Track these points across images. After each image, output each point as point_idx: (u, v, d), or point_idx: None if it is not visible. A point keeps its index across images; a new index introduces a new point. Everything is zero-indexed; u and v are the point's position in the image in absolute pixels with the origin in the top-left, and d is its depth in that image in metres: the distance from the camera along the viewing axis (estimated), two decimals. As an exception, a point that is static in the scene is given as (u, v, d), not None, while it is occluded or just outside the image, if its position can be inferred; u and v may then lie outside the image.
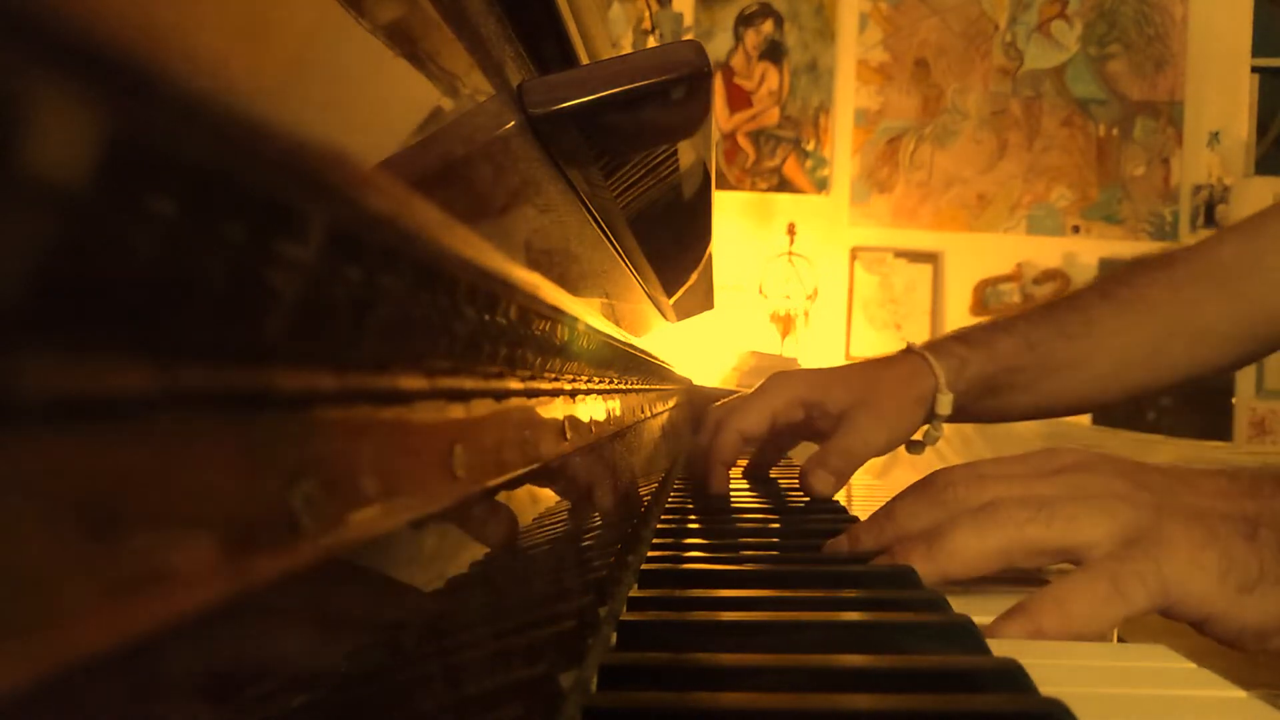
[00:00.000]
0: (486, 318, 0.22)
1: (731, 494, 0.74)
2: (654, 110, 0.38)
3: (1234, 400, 3.10)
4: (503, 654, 0.25)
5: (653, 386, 0.76)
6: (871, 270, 3.19)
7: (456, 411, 0.21)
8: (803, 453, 0.89)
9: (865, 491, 0.84)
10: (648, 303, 0.79)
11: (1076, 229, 3.18)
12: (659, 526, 0.59)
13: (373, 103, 0.20)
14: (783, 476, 0.84)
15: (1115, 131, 3.18)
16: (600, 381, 0.44)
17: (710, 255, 0.93)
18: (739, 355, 2.60)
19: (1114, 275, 0.82)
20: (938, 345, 0.77)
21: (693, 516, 0.64)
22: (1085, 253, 3.17)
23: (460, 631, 0.22)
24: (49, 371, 0.09)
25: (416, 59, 0.23)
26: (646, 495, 0.63)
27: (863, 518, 0.52)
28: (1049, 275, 3.16)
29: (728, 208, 3.09)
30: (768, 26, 3.23)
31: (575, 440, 0.36)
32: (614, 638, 0.35)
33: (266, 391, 0.13)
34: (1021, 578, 0.48)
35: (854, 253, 3.20)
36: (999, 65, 3.20)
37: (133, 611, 0.10)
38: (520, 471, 0.27)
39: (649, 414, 0.71)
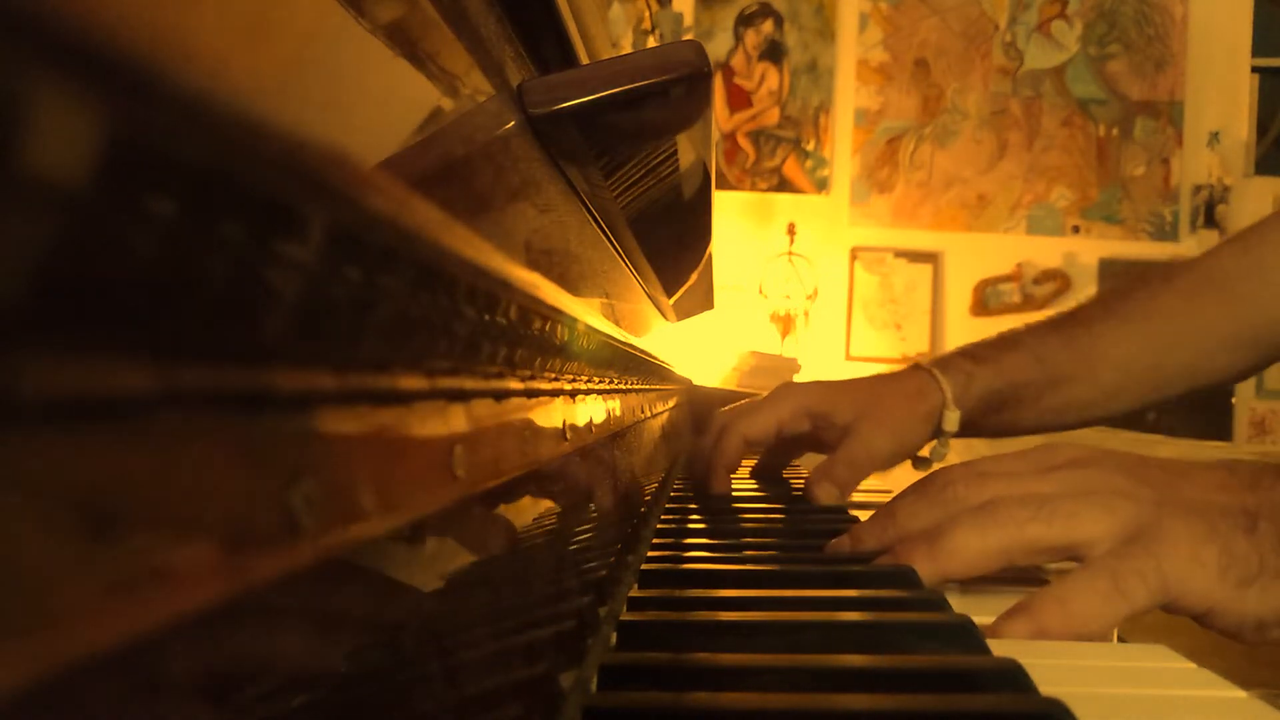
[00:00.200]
0: (486, 318, 0.22)
1: (732, 494, 0.74)
2: (654, 110, 0.38)
3: (1234, 400, 3.10)
4: (503, 654, 0.25)
5: (653, 386, 0.76)
6: (871, 270, 3.19)
7: (456, 412, 0.21)
8: (810, 463, 0.90)
9: (864, 491, 0.84)
10: (648, 303, 0.79)
11: (1076, 229, 3.18)
12: (659, 526, 0.59)
13: (373, 103, 0.20)
14: (784, 478, 0.84)
15: (1115, 131, 3.18)
16: (600, 381, 0.44)
17: (710, 255, 0.93)
18: (739, 355, 2.60)
19: (1116, 289, 0.82)
20: (945, 361, 0.77)
21: (693, 516, 0.64)
22: (1085, 253, 3.17)
23: (460, 631, 0.22)
24: (49, 371, 0.09)
25: (416, 59, 0.23)
26: (646, 495, 0.63)
27: (862, 517, 0.52)
28: (1049, 275, 3.16)
29: (728, 208, 3.09)
30: (768, 26, 3.22)
31: (575, 440, 0.36)
32: (614, 638, 0.35)
33: (266, 391, 0.13)
34: (1020, 577, 0.48)
35: (854, 253, 3.20)
36: (999, 65, 3.20)
37: (131, 611, 0.10)
38: (520, 472, 0.27)
39: (649, 414, 0.71)
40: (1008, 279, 3.18)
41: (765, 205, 3.21)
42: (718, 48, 3.20)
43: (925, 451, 0.77)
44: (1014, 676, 0.30)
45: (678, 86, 0.36)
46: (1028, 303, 3.09)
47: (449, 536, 0.22)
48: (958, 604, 0.39)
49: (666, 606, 0.40)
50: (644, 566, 0.46)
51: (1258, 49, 3.15)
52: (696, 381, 1.39)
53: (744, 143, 3.23)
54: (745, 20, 3.23)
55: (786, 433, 0.74)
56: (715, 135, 1.28)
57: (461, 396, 0.22)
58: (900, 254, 3.19)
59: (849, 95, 3.22)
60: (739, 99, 3.24)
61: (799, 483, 0.80)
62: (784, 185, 3.22)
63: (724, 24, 3.22)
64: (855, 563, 0.47)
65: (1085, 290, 3.03)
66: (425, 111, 0.23)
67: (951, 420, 0.74)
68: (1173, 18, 3.17)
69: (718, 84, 3.16)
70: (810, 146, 3.23)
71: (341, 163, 0.14)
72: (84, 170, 0.08)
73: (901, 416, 0.73)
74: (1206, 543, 0.40)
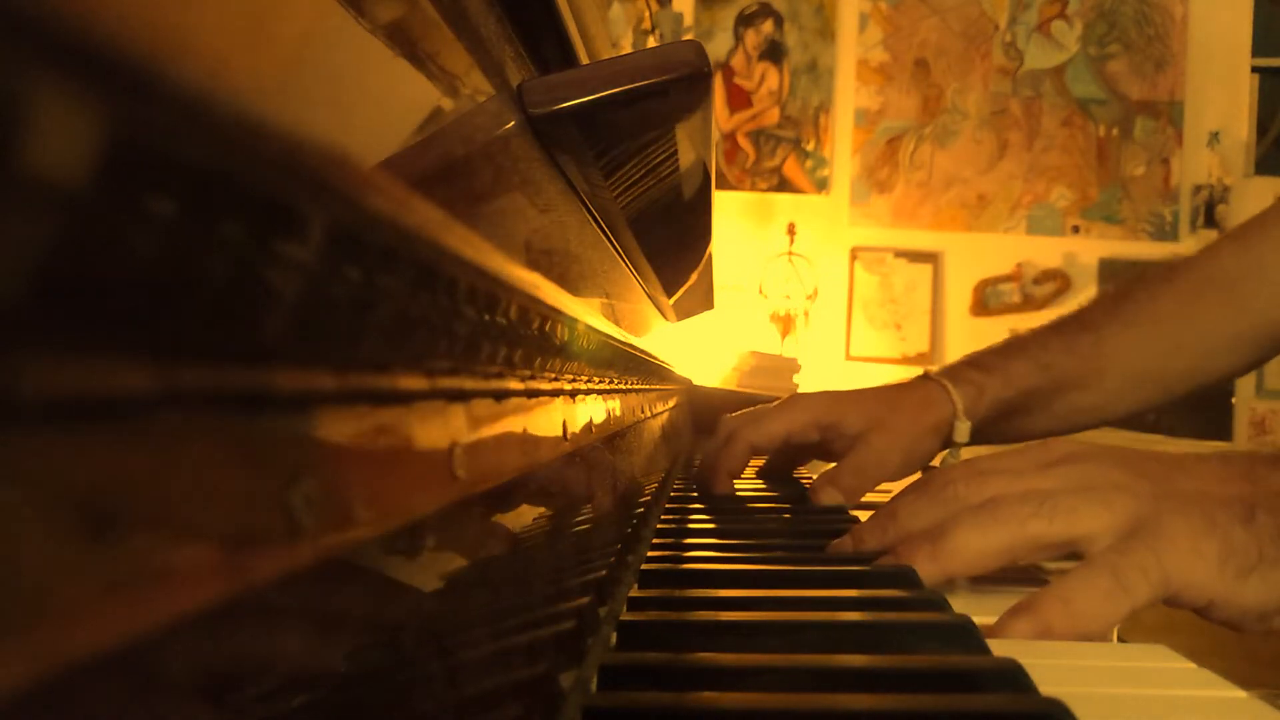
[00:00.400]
0: (486, 318, 0.22)
1: (734, 494, 0.74)
2: (654, 110, 0.38)
3: (1234, 400, 3.10)
4: (503, 654, 0.25)
5: (653, 386, 0.76)
6: (871, 270, 3.19)
7: (456, 412, 0.21)
8: (818, 467, 0.90)
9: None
10: (648, 303, 0.79)
11: (1076, 229, 3.18)
12: (659, 526, 0.59)
13: (373, 103, 0.20)
14: (787, 479, 0.84)
15: (1115, 131, 3.18)
16: (600, 381, 0.44)
17: (710, 255, 0.93)
18: (739, 355, 2.60)
19: (1118, 291, 0.83)
20: (954, 372, 0.77)
21: (693, 516, 0.64)
22: (1085, 253, 3.17)
23: (460, 631, 0.22)
24: (49, 371, 0.09)
25: (416, 59, 0.23)
26: (646, 495, 0.63)
27: (863, 517, 0.52)
28: (1049, 275, 3.16)
29: (728, 208, 3.09)
30: (768, 26, 3.22)
31: (575, 440, 0.36)
32: (614, 638, 0.35)
33: (266, 392, 0.13)
34: (1021, 576, 0.48)
35: (854, 253, 3.20)
36: (999, 65, 3.20)
37: (131, 611, 0.10)
38: (521, 472, 0.27)
39: (649, 414, 0.71)
40: (1008, 279, 3.18)
41: (765, 205, 3.21)
42: (718, 48, 3.20)
43: (936, 462, 0.77)
44: (1014, 676, 0.30)
45: (678, 86, 0.36)
46: (1028, 303, 3.09)
47: (449, 536, 0.22)
48: (958, 604, 0.39)
49: (666, 606, 0.40)
50: (644, 566, 0.46)
51: (1258, 49, 3.15)
52: (696, 381, 1.39)
53: (744, 143, 3.23)
54: (745, 20, 3.23)
55: (794, 443, 0.74)
56: (715, 135, 1.28)
57: (461, 397, 0.22)
58: (900, 254, 3.19)
59: (849, 95, 3.22)
60: (739, 99, 3.24)
61: (803, 483, 0.80)
62: (784, 185, 3.22)
63: (724, 24, 3.22)
64: (856, 563, 0.47)
65: (1085, 290, 3.03)
66: (425, 111, 0.23)
67: (963, 431, 0.74)
68: (1173, 18, 3.17)
69: (718, 84, 3.16)
70: (810, 146, 3.23)
71: (341, 163, 0.14)
72: (84, 170, 0.08)
73: (912, 429, 0.73)
74: (1205, 535, 0.40)
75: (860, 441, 0.71)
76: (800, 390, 1.35)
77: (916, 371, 0.82)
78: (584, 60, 0.45)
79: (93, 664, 0.09)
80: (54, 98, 0.08)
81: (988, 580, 0.46)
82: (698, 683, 0.31)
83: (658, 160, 0.49)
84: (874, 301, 3.18)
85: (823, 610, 0.38)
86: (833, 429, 0.73)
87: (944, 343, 3.09)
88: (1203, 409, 3.04)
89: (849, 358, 3.14)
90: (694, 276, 0.94)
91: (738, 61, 3.23)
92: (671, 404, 0.96)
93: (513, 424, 0.27)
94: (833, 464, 0.73)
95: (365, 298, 0.15)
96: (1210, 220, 3.11)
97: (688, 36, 2.81)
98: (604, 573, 0.39)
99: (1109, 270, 3.11)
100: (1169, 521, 0.41)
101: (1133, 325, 0.79)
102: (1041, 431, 0.82)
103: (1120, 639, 0.42)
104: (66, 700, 0.09)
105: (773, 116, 3.23)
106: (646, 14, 2.31)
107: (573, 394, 0.37)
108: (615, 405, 0.50)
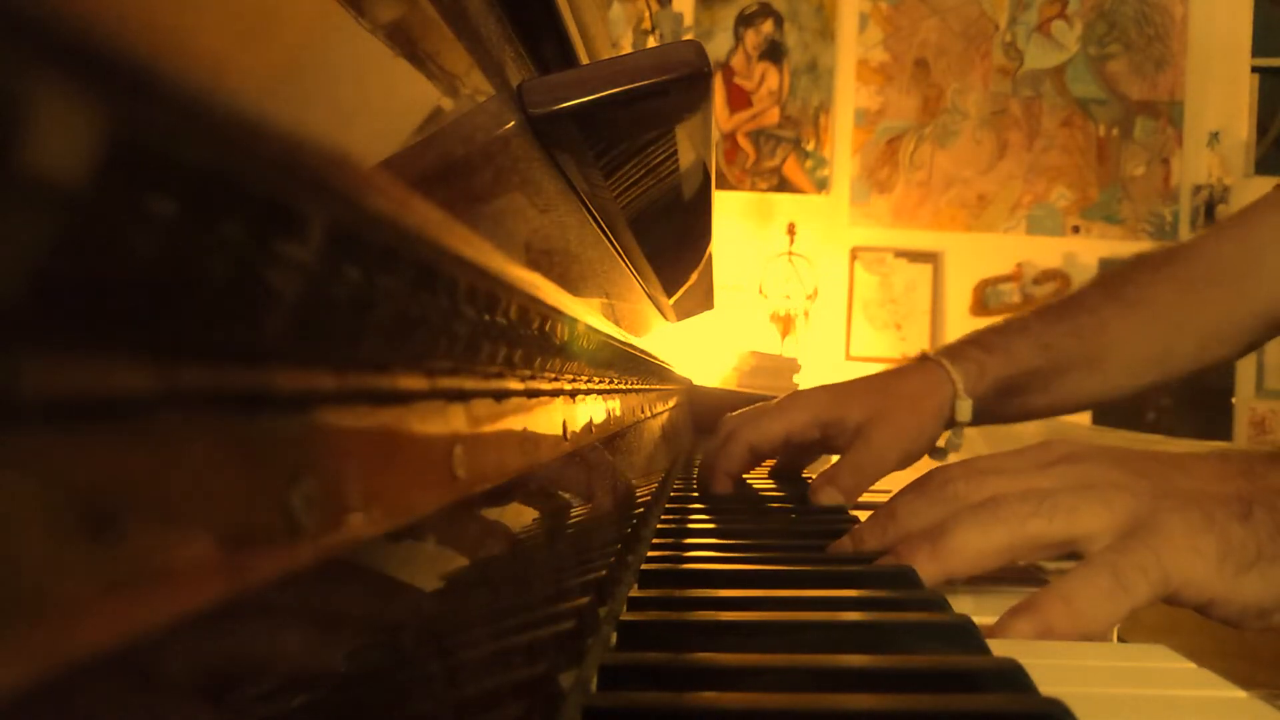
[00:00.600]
0: (486, 318, 0.22)
1: (733, 494, 0.74)
2: (654, 110, 0.38)
3: (1234, 400, 3.10)
4: (503, 654, 0.25)
5: (653, 386, 0.76)
6: (871, 270, 3.19)
7: (456, 412, 0.21)
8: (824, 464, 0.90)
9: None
10: (648, 303, 0.79)
11: (1076, 229, 3.18)
12: (659, 526, 0.59)
13: (373, 102, 0.20)
14: (791, 479, 0.84)
15: (1115, 131, 3.18)
16: (600, 381, 0.44)
17: (710, 255, 0.93)
18: (739, 355, 2.60)
19: (1119, 273, 0.83)
20: (955, 351, 0.77)
21: (693, 516, 0.64)
22: (1085, 253, 3.17)
23: (460, 631, 0.22)
24: (49, 371, 0.09)
25: (416, 59, 0.23)
26: (646, 495, 0.63)
27: (863, 517, 0.52)
28: (1049, 275, 3.16)
29: (728, 208, 3.09)
30: (768, 26, 3.23)
31: (575, 440, 0.36)
32: (614, 638, 0.35)
33: (266, 391, 0.13)
34: (1021, 576, 0.48)
35: (854, 253, 3.20)
36: (999, 65, 3.20)
37: (130, 611, 0.10)
38: (520, 472, 0.27)
39: (649, 414, 0.71)
40: (1008, 279, 3.18)
41: (765, 205, 3.21)
42: (718, 48, 3.20)
43: (941, 443, 0.77)
44: (1014, 676, 0.30)
45: (678, 86, 0.36)
46: (1028, 303, 3.09)
47: (449, 536, 0.22)
48: (958, 604, 0.39)
49: (666, 606, 0.40)
50: (644, 566, 0.46)
51: (1258, 49, 3.15)
52: (696, 381, 1.39)
53: (744, 143, 3.24)
54: (745, 20, 3.23)
55: (795, 442, 0.74)
56: (715, 135, 1.28)
57: (461, 396, 0.22)
58: (900, 254, 3.19)
59: (849, 95, 3.22)
60: (739, 99, 3.24)
61: (808, 481, 0.80)
62: (784, 185, 3.22)
63: (724, 24, 3.23)
64: (856, 563, 0.47)
65: (1085, 290, 3.03)
66: (425, 111, 0.23)
67: (964, 410, 0.74)
68: (1173, 18, 3.17)
69: (718, 84, 3.16)
70: (810, 146, 3.23)
71: (341, 162, 0.14)
72: (84, 170, 0.08)
73: (912, 416, 0.73)
74: (1204, 532, 0.40)
75: (860, 436, 0.71)
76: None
77: (916, 371, 0.81)
78: (584, 60, 0.45)
79: (92, 664, 0.09)
80: (54, 98, 0.08)
81: (988, 580, 0.46)
82: (698, 683, 0.31)
83: (658, 160, 0.49)
84: (874, 301, 3.19)
85: (823, 610, 0.38)
86: (834, 425, 0.72)
87: (944, 343, 3.08)
88: (1203, 409, 3.05)
89: (849, 358, 3.14)
90: (694, 276, 0.94)
91: (738, 61, 3.23)
92: (671, 404, 0.96)
93: (513, 424, 0.27)
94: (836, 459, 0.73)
95: (365, 297, 0.15)
96: (1210, 220, 3.11)
97: (688, 36, 2.80)
98: (604, 573, 0.39)
99: (1111, 266, 3.11)
100: (1167, 520, 0.41)
101: (1133, 310, 0.79)
102: (1042, 411, 0.82)
103: (1120, 639, 0.42)
104: (66, 700, 0.09)
105: (773, 116, 3.24)
106: (646, 14, 2.31)
107: (573, 394, 0.37)
108: (615, 405, 0.50)
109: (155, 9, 0.11)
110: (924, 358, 0.77)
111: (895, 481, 0.66)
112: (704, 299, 1.17)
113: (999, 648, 0.34)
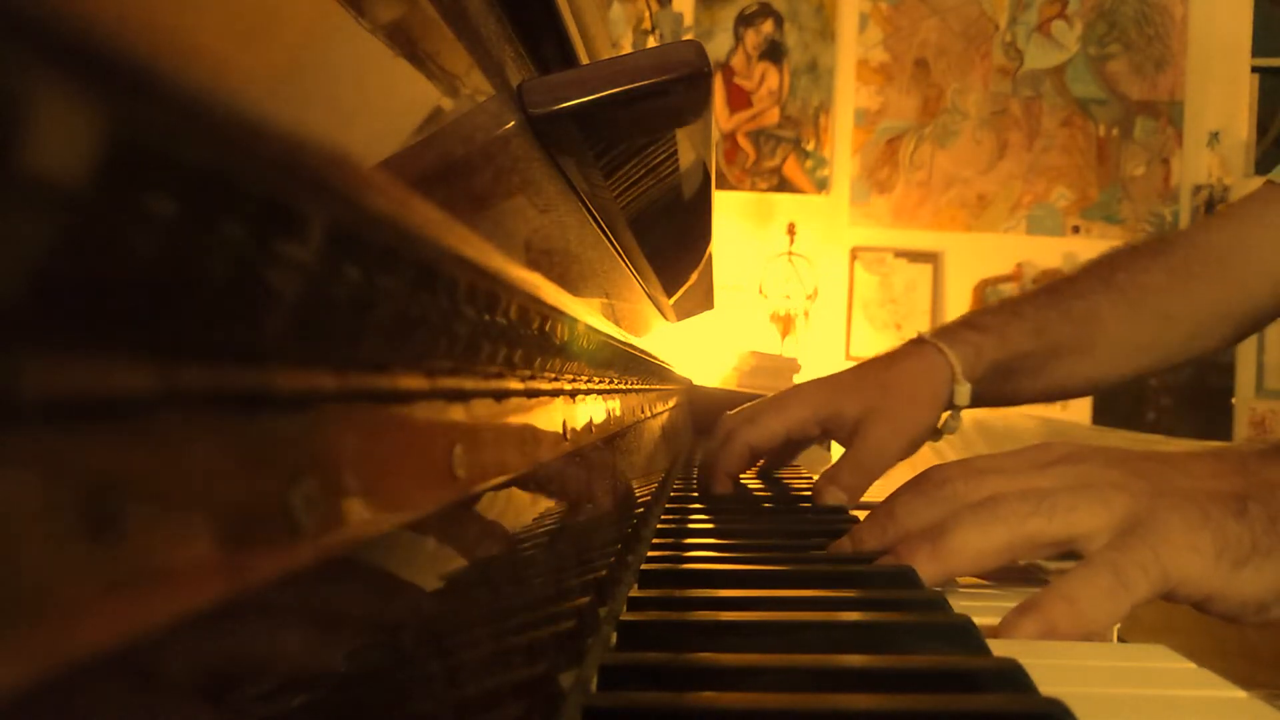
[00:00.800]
0: (486, 318, 0.22)
1: (733, 494, 0.74)
2: (654, 110, 0.38)
3: (1234, 400, 3.10)
4: (503, 654, 0.25)
5: (653, 386, 0.76)
6: (871, 270, 3.19)
7: (456, 411, 0.21)
8: (810, 459, 0.90)
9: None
10: (648, 303, 0.79)
11: (1076, 229, 3.18)
12: (659, 526, 0.59)
13: (373, 102, 0.20)
14: (786, 476, 0.84)
15: (1115, 131, 3.18)
16: (600, 381, 0.44)
17: (710, 255, 0.93)
18: (739, 355, 2.60)
19: (1111, 259, 0.83)
20: (951, 333, 0.77)
21: (693, 516, 0.64)
22: (1085, 253, 3.16)
23: (460, 631, 0.22)
24: (49, 371, 0.09)
25: (416, 59, 0.23)
26: (646, 495, 0.63)
27: (862, 517, 0.52)
28: (1049, 275, 3.16)
29: (728, 208, 3.09)
30: (768, 26, 3.22)
31: (575, 440, 0.36)
32: (614, 638, 0.35)
33: (266, 391, 0.13)
34: (1021, 576, 0.48)
35: (854, 253, 3.20)
36: (999, 65, 3.20)
37: (130, 611, 0.10)
38: (520, 471, 0.27)
39: (649, 414, 0.71)
40: (1008, 279, 3.18)
41: (765, 205, 3.21)
42: (718, 48, 3.20)
43: (939, 424, 0.77)
44: (1014, 676, 0.30)
45: (677, 86, 0.36)
46: (1028, 303, 3.09)
47: (449, 536, 0.22)
48: (958, 604, 0.39)
49: (666, 606, 0.40)
50: (644, 566, 0.46)
51: (1258, 49, 3.15)
52: (696, 381, 1.39)
53: (744, 143, 3.23)
54: (745, 20, 3.23)
55: (794, 439, 0.74)
56: (715, 135, 1.28)
57: (461, 396, 0.22)
58: (900, 254, 3.19)
59: (849, 95, 3.22)
60: (739, 99, 3.24)
61: (800, 483, 0.80)
62: (784, 185, 3.22)
63: (724, 24, 3.22)
64: (856, 563, 0.47)
65: (1085, 290, 3.03)
66: (425, 111, 0.23)
67: (963, 394, 0.74)
68: (1173, 18, 3.17)
69: (718, 84, 3.16)
70: (810, 146, 3.23)
71: (341, 162, 0.14)
72: (84, 170, 0.08)
73: (910, 406, 0.72)
74: (1200, 529, 0.41)
75: (860, 431, 0.71)
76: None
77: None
78: (584, 60, 0.45)
79: (93, 663, 0.09)
80: (54, 97, 0.08)
81: (987, 580, 0.46)
82: (698, 683, 0.31)
83: (658, 160, 0.49)
84: (874, 301, 3.18)
85: (823, 610, 0.38)
86: (832, 420, 0.72)
87: (944, 343, 3.09)
88: (1203, 409, 3.05)
89: (849, 358, 3.14)
90: (694, 276, 0.94)
91: (738, 61, 3.23)
92: (671, 404, 0.96)
93: (513, 424, 0.27)
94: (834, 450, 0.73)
95: (365, 297, 0.15)
96: (1210, 220, 3.11)
97: (688, 36, 2.81)
98: (604, 573, 0.39)
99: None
100: (1165, 518, 0.41)
101: (1126, 298, 0.79)
102: (1036, 395, 0.82)
103: (1120, 639, 0.42)
104: (66, 700, 0.09)
105: (773, 116, 3.24)
106: (646, 14, 2.31)
107: (573, 394, 0.37)
108: (615, 405, 0.50)
109: (155, 9, 0.11)
110: (920, 340, 0.77)
111: (895, 473, 0.66)
112: (704, 299, 1.17)
113: (999, 648, 0.34)
